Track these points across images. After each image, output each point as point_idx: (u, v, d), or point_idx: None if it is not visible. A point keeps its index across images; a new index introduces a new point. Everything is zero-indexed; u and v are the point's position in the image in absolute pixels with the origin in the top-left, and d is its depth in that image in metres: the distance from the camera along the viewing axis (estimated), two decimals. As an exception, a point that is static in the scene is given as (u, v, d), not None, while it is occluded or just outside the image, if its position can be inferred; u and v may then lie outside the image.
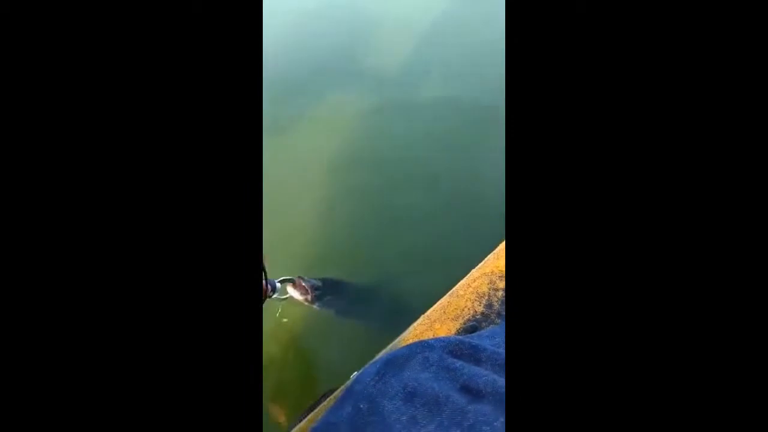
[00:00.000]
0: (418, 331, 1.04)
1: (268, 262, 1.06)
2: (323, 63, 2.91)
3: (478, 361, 0.74)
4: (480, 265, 1.15)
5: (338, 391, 0.97)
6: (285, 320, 1.64)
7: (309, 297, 1.59)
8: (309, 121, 2.50)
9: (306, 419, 0.98)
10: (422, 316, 1.08)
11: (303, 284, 1.59)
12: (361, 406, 0.66)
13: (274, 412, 1.46)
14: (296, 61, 2.92)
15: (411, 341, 0.95)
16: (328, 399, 1.01)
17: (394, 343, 1.05)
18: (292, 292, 1.59)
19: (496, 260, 1.14)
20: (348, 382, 0.86)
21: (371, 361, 0.82)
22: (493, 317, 1.03)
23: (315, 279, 1.65)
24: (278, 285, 1.53)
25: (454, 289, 1.11)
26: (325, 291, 1.64)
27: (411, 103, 2.58)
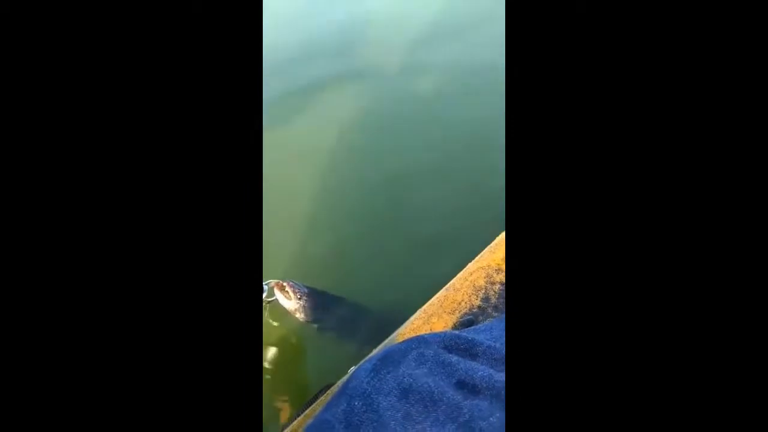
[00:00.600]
0: (414, 325, 1.04)
1: None
2: (323, 56, 2.89)
3: (474, 356, 0.74)
4: (476, 258, 1.15)
5: (335, 386, 0.97)
6: (275, 324, 1.58)
7: (296, 305, 1.49)
8: (307, 114, 2.48)
9: (303, 415, 0.98)
10: (419, 310, 1.08)
11: (289, 290, 1.48)
12: (356, 403, 0.66)
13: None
14: (295, 53, 2.90)
15: (408, 336, 0.95)
16: (325, 394, 1.00)
17: (390, 338, 1.05)
18: (280, 297, 1.50)
19: (492, 253, 1.14)
20: (344, 378, 0.85)
21: (367, 357, 0.82)
22: (489, 311, 1.02)
23: (306, 286, 1.52)
24: (266, 287, 1.48)
25: (450, 282, 1.11)
26: (315, 302, 1.52)
27: (411, 95, 2.56)
